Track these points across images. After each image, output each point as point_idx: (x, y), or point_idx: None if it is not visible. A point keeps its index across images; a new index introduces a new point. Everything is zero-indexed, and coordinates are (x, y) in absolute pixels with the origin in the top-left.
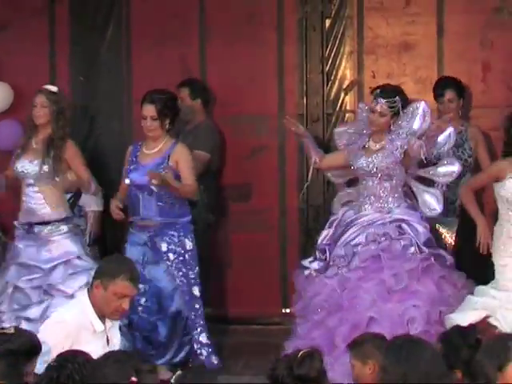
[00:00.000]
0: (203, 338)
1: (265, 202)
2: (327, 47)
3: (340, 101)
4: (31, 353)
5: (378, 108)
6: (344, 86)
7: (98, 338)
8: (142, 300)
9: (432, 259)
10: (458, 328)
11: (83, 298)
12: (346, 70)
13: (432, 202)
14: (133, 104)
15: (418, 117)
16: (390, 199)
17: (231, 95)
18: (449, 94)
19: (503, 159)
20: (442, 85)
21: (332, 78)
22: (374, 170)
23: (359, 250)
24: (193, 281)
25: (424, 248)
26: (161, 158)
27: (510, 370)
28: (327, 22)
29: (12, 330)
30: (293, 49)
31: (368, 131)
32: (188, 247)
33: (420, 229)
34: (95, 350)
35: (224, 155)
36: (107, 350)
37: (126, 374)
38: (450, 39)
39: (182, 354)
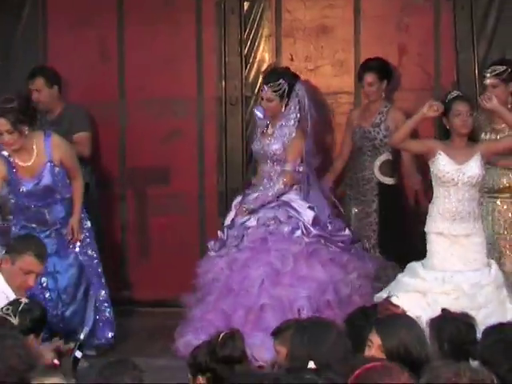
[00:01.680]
0: (109, 314)
1: (184, 185)
2: (245, 30)
3: (258, 84)
4: None
5: (264, 94)
6: (262, 69)
7: None
8: (46, 294)
9: (322, 241)
10: (361, 309)
11: None
12: (264, 53)
13: None
14: None
15: (297, 98)
16: (269, 200)
17: (149, 78)
18: (368, 78)
19: (435, 140)
20: (363, 68)
21: (250, 60)
22: (265, 154)
23: (249, 232)
24: (96, 260)
25: (312, 230)
26: (43, 168)
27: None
28: (245, 5)
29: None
30: (211, 32)
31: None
32: (86, 226)
33: (307, 212)
34: None
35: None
36: None
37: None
38: (367, 22)
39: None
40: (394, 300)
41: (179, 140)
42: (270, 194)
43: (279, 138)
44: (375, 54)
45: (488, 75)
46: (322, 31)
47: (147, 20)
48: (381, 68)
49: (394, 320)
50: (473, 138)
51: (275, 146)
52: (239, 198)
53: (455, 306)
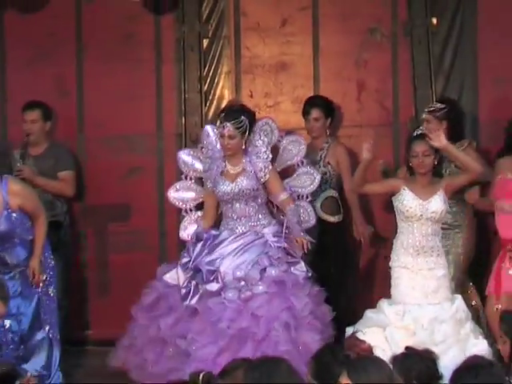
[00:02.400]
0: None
1: (144, 222)
2: (205, 67)
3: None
4: None
5: (226, 132)
6: (222, 106)
7: None
8: (9, 336)
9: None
10: (327, 346)
11: None
12: (223, 90)
13: (303, 214)
14: (7, 125)
15: (265, 133)
16: (260, 216)
17: (108, 115)
18: (315, 113)
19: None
20: (310, 104)
21: (210, 97)
22: (240, 193)
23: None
24: (54, 297)
25: (308, 268)
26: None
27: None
28: (205, 42)
29: None
30: (171, 68)
31: (222, 154)
32: (50, 265)
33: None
34: None
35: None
36: None
37: None
38: (325, 59)
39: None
40: (360, 336)
41: (139, 176)
42: (293, 222)
43: (252, 174)
44: (334, 90)
45: (426, 110)
46: (281, 68)
47: (106, 56)
48: (326, 105)
49: (365, 362)
50: (438, 171)
51: (252, 183)
52: (185, 258)
53: (412, 341)
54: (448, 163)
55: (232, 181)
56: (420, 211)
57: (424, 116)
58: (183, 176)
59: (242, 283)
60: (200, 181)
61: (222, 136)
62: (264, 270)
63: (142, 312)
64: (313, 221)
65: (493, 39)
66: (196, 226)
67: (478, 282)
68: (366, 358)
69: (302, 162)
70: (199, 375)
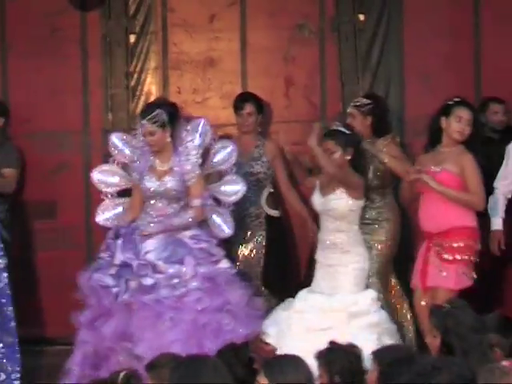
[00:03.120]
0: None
1: (71, 219)
2: (132, 62)
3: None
4: None
5: (144, 130)
6: (149, 102)
7: None
8: None
9: None
10: (231, 346)
11: None
12: (151, 86)
13: (220, 223)
14: None
15: (198, 134)
16: (170, 228)
17: (34, 111)
18: (248, 108)
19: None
20: (243, 99)
21: (137, 93)
22: (164, 193)
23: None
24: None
25: (232, 266)
26: None
27: None
28: (132, 38)
29: None
30: (97, 64)
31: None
32: None
33: (218, 250)
34: None
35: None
36: None
37: None
38: (253, 54)
39: None
40: (266, 338)
41: (66, 173)
42: (175, 224)
43: (180, 175)
44: (262, 86)
45: (351, 104)
46: (209, 64)
47: (32, 52)
48: (258, 101)
49: (282, 362)
50: (357, 167)
51: (178, 184)
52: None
53: (302, 324)
54: (371, 158)
55: (158, 178)
56: (320, 207)
57: (349, 110)
58: (111, 159)
59: (176, 280)
60: (127, 167)
61: (144, 135)
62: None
63: (84, 327)
64: (230, 231)
65: (419, 36)
66: (112, 212)
67: (403, 277)
68: (284, 357)
69: (232, 169)
70: (119, 374)
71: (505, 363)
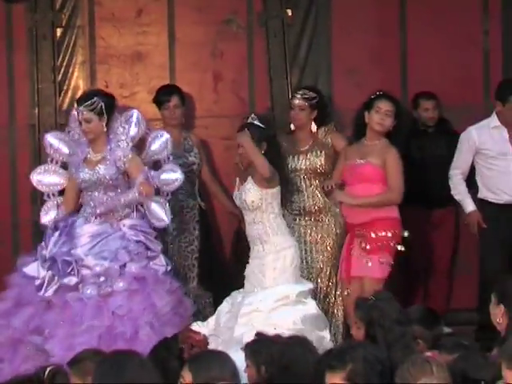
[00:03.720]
0: None
1: None
2: (59, 56)
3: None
4: None
5: (81, 117)
6: (77, 96)
7: None
8: None
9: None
10: (163, 341)
11: None
12: (78, 80)
13: (159, 211)
14: None
15: (133, 124)
16: (118, 208)
17: None
18: (174, 100)
19: None
20: (168, 92)
21: (64, 87)
22: (99, 181)
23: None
24: None
25: (168, 262)
26: None
27: None
28: (58, 31)
29: None
30: (23, 58)
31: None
32: None
33: (155, 243)
34: None
35: None
36: None
37: None
38: (181, 49)
39: None
40: (195, 327)
41: None
42: (122, 201)
43: (112, 162)
44: (190, 81)
45: (299, 96)
46: (136, 58)
47: None
48: (181, 93)
49: (206, 357)
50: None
51: (111, 172)
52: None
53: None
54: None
55: (92, 168)
56: (238, 201)
57: (297, 102)
58: (49, 159)
59: (102, 279)
60: (66, 165)
61: (80, 123)
62: (124, 265)
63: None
64: (168, 220)
65: (346, 31)
66: (57, 211)
67: None
68: (209, 352)
69: (169, 158)
70: (45, 370)
71: (427, 354)
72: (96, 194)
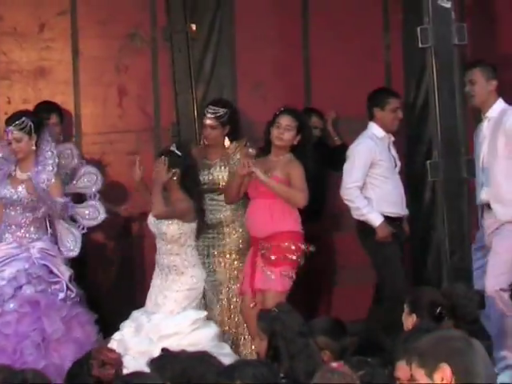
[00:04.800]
0: None
1: None
2: None
3: None
4: None
5: (10, 137)
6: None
7: None
8: None
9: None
10: (78, 359)
11: None
12: None
13: (71, 243)
14: None
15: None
16: (32, 229)
17: None
18: (53, 119)
19: None
20: (47, 108)
21: None
22: (18, 201)
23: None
24: None
25: (72, 288)
26: None
27: None
28: None
29: None
30: None
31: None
32: None
33: (62, 268)
34: None
35: None
36: None
37: None
38: (85, 64)
39: None
40: (110, 344)
41: None
42: (49, 201)
43: (35, 184)
44: (95, 96)
45: (209, 115)
46: (39, 73)
47: None
48: (60, 111)
49: (132, 377)
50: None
51: (26, 192)
52: None
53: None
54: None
55: (15, 187)
56: (153, 228)
57: (208, 122)
58: None
59: None
60: None
61: (9, 142)
62: (20, 287)
63: None
64: (102, 215)
65: (250, 45)
66: None
67: None
68: (136, 373)
69: (95, 195)
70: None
71: (334, 365)
72: (12, 213)
